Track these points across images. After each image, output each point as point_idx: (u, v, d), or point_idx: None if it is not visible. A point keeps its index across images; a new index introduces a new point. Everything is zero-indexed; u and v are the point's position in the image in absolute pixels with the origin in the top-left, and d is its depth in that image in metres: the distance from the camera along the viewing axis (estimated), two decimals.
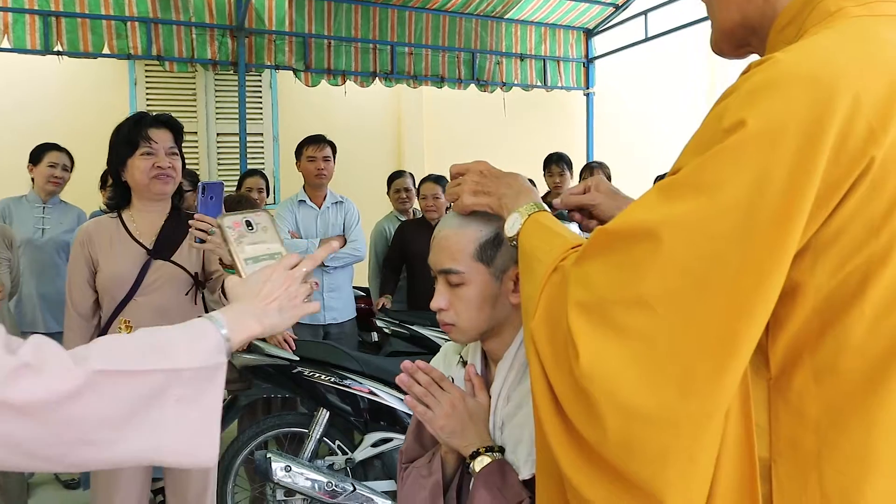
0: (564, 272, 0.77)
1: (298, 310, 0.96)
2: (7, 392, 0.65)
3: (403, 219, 4.28)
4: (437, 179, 4.01)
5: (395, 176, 4.40)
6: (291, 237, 3.65)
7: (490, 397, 1.15)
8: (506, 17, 5.76)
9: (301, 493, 2.56)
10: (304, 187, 3.83)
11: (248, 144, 5.11)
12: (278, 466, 2.50)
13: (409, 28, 5.43)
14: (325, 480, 2.55)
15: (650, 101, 7.45)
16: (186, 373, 0.77)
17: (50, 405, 0.67)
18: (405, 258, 4.01)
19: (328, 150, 3.72)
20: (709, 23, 0.87)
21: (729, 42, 0.84)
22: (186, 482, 2.17)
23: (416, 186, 4.20)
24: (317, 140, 3.70)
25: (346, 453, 2.80)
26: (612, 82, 6.74)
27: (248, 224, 1.05)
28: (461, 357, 1.27)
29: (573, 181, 4.66)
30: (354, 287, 4.02)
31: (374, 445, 2.79)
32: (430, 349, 3.10)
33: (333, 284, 3.72)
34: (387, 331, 3.54)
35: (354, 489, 2.57)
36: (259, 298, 0.91)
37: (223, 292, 1.78)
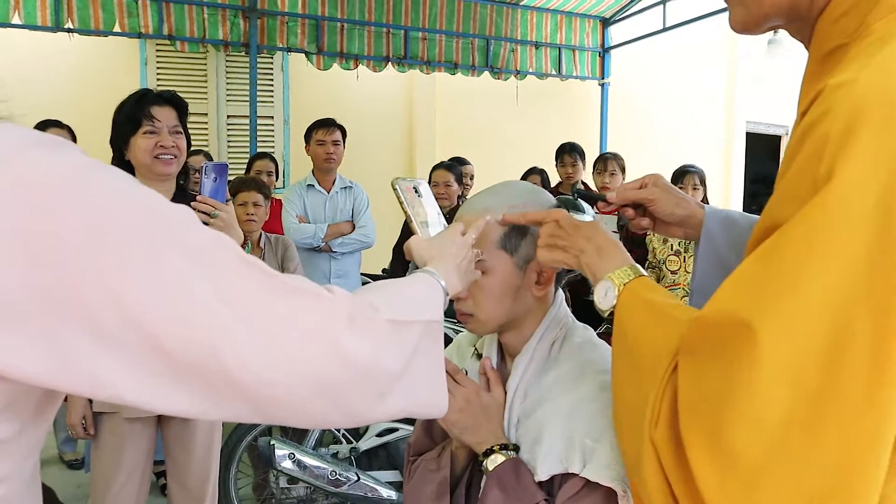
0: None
1: (473, 274, 0.98)
2: (344, 341, 0.62)
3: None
4: (450, 167, 3.95)
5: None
6: (299, 221, 3.60)
7: (506, 393, 1.10)
8: (521, 3, 5.68)
9: (304, 482, 2.52)
10: (313, 171, 3.77)
11: (259, 127, 5.06)
12: (282, 454, 2.47)
13: (423, 13, 5.36)
14: (329, 469, 2.51)
15: (666, 93, 7.34)
16: (433, 324, 0.80)
17: (372, 358, 0.65)
18: None
19: (338, 135, 3.66)
20: (727, 14, 0.80)
21: (763, 22, 0.77)
22: (188, 467, 2.13)
23: (429, 174, 4.14)
24: (327, 124, 3.65)
25: (351, 442, 2.76)
26: (629, 73, 6.64)
27: (416, 190, 1.08)
28: (476, 349, 1.22)
29: (586, 172, 4.59)
30: (363, 273, 3.98)
31: (379, 435, 2.75)
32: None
33: (341, 270, 3.67)
34: None
35: (358, 479, 2.54)
36: (451, 258, 0.93)
37: None
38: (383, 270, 4.60)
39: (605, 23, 6.13)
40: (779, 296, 0.56)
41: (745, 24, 0.79)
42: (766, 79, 7.57)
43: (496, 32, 5.67)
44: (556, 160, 4.54)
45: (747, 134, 7.84)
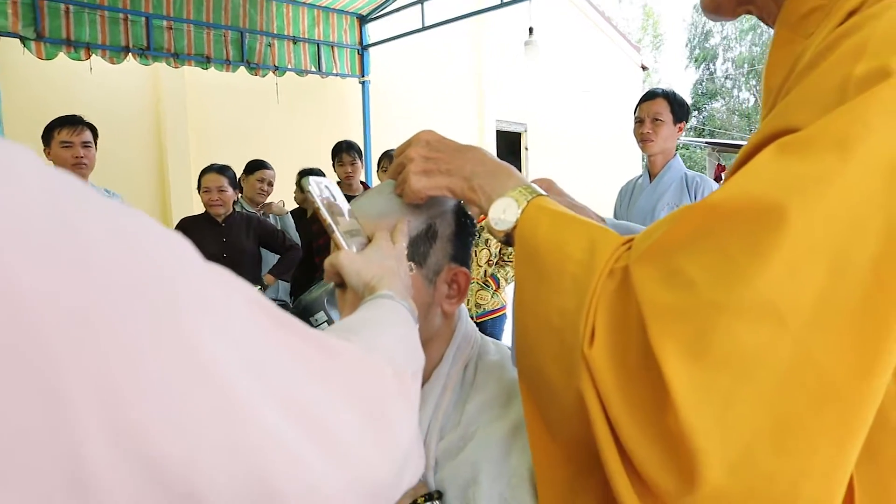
0: (626, 275, 0.57)
1: (411, 290, 0.82)
2: (396, 421, 0.45)
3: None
4: (222, 170, 3.55)
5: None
6: None
7: None
8: None
9: None
10: None
11: None
12: None
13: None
14: None
15: (425, 93, 7.53)
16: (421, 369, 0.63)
17: (411, 432, 0.48)
18: None
19: (88, 135, 3.07)
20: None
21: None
22: None
23: (198, 179, 3.68)
24: (73, 122, 3.03)
25: None
26: (390, 71, 6.67)
27: (328, 190, 0.84)
28: None
29: (364, 171, 4.47)
30: None
31: None
32: None
33: None
34: None
35: None
36: (399, 276, 0.76)
37: None
38: None
39: (363, 20, 6.06)
40: (813, 183, 0.49)
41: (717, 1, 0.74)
42: (511, 81, 8.16)
43: (251, 25, 5.29)
44: (334, 159, 4.35)
45: (497, 132, 8.39)
